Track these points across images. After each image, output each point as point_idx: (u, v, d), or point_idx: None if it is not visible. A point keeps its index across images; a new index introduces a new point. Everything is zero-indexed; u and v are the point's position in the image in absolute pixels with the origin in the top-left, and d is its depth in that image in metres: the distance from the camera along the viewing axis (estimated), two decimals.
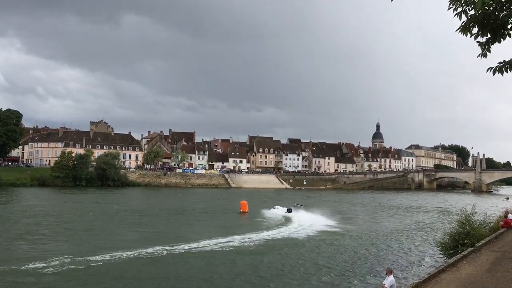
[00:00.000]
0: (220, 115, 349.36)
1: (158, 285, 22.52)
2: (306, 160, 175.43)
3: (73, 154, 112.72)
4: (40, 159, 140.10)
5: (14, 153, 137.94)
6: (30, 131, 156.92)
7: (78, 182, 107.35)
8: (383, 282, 14.52)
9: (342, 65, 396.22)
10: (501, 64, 7.50)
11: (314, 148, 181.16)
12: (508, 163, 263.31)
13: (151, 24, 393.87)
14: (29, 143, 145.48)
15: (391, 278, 14.18)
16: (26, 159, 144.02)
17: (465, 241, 22.92)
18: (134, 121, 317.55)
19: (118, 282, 22.66)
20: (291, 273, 25.79)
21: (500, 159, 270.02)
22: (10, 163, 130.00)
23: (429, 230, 45.71)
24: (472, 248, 19.99)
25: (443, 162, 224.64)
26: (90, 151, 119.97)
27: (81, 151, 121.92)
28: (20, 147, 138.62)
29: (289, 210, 56.94)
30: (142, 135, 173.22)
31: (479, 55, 7.74)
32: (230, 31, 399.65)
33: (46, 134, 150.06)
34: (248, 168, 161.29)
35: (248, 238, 36.61)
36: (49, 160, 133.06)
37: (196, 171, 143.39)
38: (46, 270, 24.21)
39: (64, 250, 29.56)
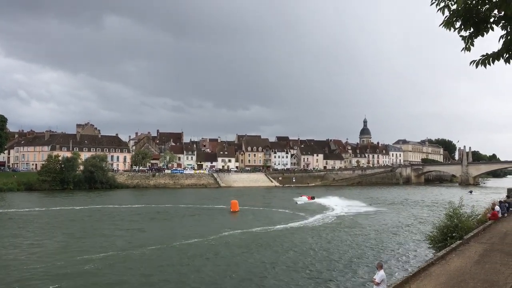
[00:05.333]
0: (207, 115, 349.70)
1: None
2: (294, 158, 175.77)
3: (60, 158, 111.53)
4: (27, 163, 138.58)
5: (0, 158, 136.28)
6: (16, 135, 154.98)
7: (66, 186, 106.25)
8: (374, 277, 14.59)
9: (327, 62, 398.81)
10: (484, 57, 7.55)
11: (303, 146, 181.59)
12: (494, 155, 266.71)
13: (133, 25, 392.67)
14: (15, 147, 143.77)
15: (381, 273, 14.25)
16: (12, 164, 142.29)
17: (454, 234, 23.11)
18: (121, 123, 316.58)
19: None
20: (281, 265, 25.94)
21: (486, 151, 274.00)
22: None
23: (418, 224, 46.12)
24: (461, 241, 20.17)
25: (430, 156, 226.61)
26: (77, 154, 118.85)
27: (68, 154, 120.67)
28: (6, 151, 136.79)
29: None
30: (129, 136, 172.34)
31: (462, 49, 7.79)
32: (213, 31, 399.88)
33: (32, 138, 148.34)
34: (237, 167, 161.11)
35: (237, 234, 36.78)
36: (36, 164, 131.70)
37: (185, 172, 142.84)
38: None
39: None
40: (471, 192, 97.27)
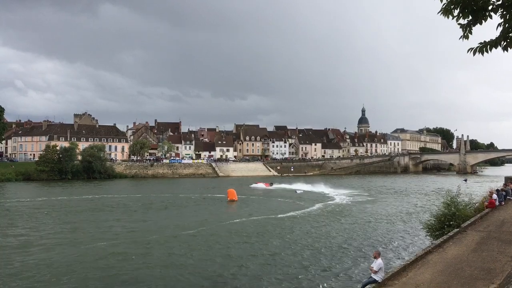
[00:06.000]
0: (205, 104, 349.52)
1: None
2: (293, 147, 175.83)
3: (58, 148, 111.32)
4: (24, 153, 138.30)
5: None
6: (13, 126, 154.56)
7: (64, 176, 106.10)
8: (372, 265, 14.65)
9: (325, 52, 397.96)
10: (482, 45, 7.52)
11: (301, 135, 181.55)
12: (491, 144, 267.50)
13: (129, 14, 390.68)
14: (13, 138, 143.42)
15: (379, 261, 14.30)
16: (10, 154, 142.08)
17: (451, 222, 23.18)
18: (118, 113, 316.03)
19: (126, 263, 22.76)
20: (281, 253, 26.10)
21: (484, 140, 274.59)
22: None
23: (415, 212, 46.35)
24: (458, 229, 20.24)
25: (428, 145, 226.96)
26: (75, 144, 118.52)
27: (66, 144, 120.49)
28: (4, 141, 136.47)
29: None
30: (127, 126, 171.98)
31: (461, 37, 7.75)
32: (210, 20, 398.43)
33: (29, 128, 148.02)
34: (235, 156, 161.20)
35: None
36: (34, 154, 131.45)
37: (183, 161, 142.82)
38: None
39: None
40: (465, 180, 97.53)
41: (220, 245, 29.75)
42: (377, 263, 14.24)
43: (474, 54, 7.61)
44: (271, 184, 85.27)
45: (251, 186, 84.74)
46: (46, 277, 22.21)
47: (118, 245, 29.44)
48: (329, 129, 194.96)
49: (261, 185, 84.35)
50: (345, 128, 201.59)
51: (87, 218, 42.65)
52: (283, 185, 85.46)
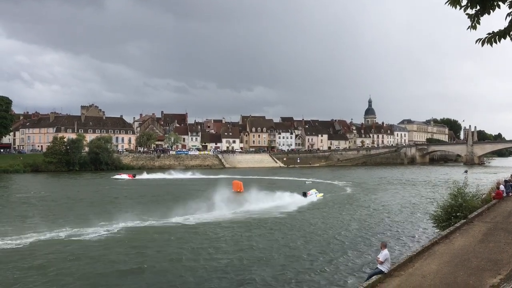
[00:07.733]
0: (211, 96, 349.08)
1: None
2: (299, 138, 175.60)
3: (65, 139, 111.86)
4: (32, 145, 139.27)
5: (6, 139, 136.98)
6: (21, 117, 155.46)
7: (72, 167, 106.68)
8: (378, 256, 14.69)
9: (331, 43, 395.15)
10: (490, 35, 7.45)
11: (307, 126, 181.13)
12: (499, 134, 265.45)
13: (135, 6, 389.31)
14: (20, 129, 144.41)
15: (385, 252, 14.34)
16: (18, 146, 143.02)
17: (458, 213, 23.16)
18: (125, 105, 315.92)
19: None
20: (287, 246, 26.15)
21: (492, 131, 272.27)
22: (2, 150, 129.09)
23: (422, 203, 46.27)
24: (465, 220, 20.24)
25: (435, 136, 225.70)
26: (82, 136, 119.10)
27: (73, 135, 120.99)
28: (11, 133, 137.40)
29: None
30: (134, 118, 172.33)
31: (468, 27, 7.68)
32: (216, 11, 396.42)
33: (37, 120, 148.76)
34: (241, 148, 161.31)
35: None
36: (41, 146, 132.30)
37: (190, 153, 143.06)
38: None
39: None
40: (466, 171, 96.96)
41: (227, 236, 29.88)
42: (384, 254, 14.28)
43: (482, 45, 7.54)
44: (134, 175, 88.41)
45: (114, 177, 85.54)
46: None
47: (127, 237, 29.60)
48: (335, 120, 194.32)
49: (124, 176, 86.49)
50: (351, 119, 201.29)
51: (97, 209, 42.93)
52: (155, 175, 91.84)
